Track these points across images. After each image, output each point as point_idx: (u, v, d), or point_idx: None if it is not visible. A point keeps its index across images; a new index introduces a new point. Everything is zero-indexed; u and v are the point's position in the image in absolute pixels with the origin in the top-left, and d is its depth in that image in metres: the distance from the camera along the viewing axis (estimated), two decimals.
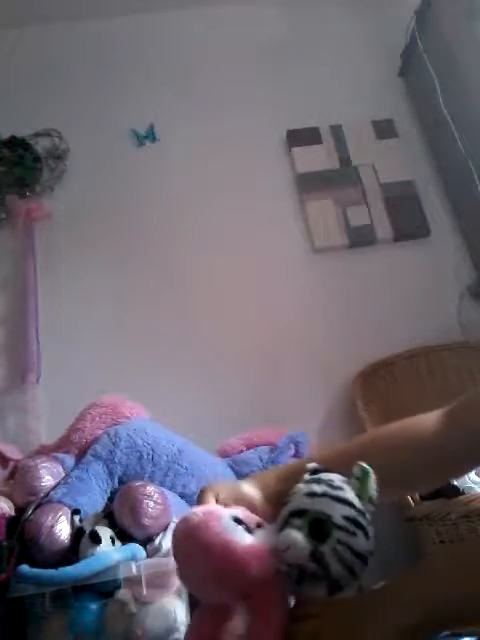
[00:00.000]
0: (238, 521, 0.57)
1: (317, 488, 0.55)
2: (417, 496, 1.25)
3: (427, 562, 0.55)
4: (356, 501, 0.55)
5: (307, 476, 0.59)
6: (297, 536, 0.52)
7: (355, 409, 1.57)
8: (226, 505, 0.61)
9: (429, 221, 1.89)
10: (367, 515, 0.55)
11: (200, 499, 0.62)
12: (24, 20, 2.07)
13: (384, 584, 0.53)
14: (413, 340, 1.69)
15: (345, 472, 0.59)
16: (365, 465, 0.56)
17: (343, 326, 1.74)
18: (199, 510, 0.58)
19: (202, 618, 0.55)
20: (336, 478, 0.57)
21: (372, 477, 0.56)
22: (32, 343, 1.66)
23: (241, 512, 0.59)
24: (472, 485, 1.22)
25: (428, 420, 0.69)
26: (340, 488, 0.55)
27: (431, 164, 1.99)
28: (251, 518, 0.59)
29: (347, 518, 0.53)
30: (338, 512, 0.53)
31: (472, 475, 1.24)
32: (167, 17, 2.14)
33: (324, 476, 0.57)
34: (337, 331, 1.73)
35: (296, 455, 1.37)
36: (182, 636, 0.96)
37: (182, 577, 0.58)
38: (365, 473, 0.55)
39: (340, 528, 0.53)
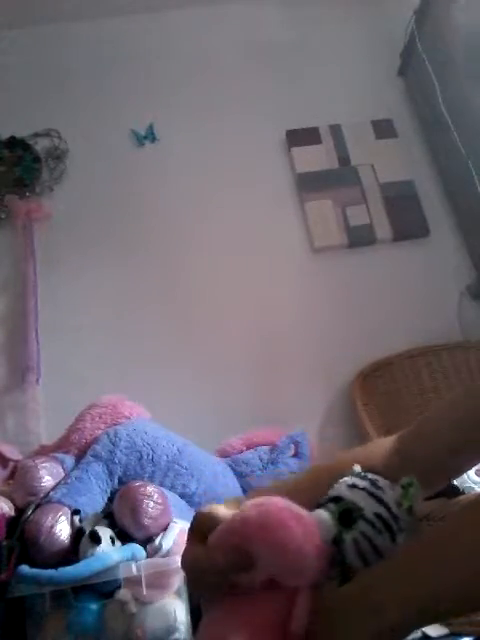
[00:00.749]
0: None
1: (360, 482, 0.57)
2: None
3: (397, 558, 0.54)
4: (393, 505, 0.55)
5: (355, 470, 0.60)
6: (325, 516, 0.54)
7: (355, 409, 1.57)
8: None
9: (429, 221, 1.89)
10: (401, 522, 0.55)
11: (207, 522, 0.57)
12: (24, 20, 2.07)
13: (355, 583, 0.52)
14: (413, 340, 1.69)
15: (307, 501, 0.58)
16: (412, 477, 0.56)
17: (343, 326, 1.74)
18: (254, 501, 0.57)
19: (264, 606, 0.53)
20: (382, 480, 0.58)
21: (416, 489, 0.56)
22: (32, 343, 1.66)
23: None
24: (472, 485, 1.22)
25: (384, 445, 0.68)
26: (381, 489, 0.56)
27: (431, 164, 1.99)
28: None
29: (378, 516, 0.54)
30: (371, 508, 0.55)
31: (472, 475, 1.24)
32: (167, 17, 2.14)
33: (371, 476, 0.58)
34: (337, 331, 1.73)
35: (296, 455, 1.37)
36: (182, 636, 0.96)
37: (268, 564, 0.53)
38: (410, 484, 0.56)
39: (368, 521, 0.54)
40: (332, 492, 0.57)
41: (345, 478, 0.59)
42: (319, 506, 0.56)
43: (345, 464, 0.62)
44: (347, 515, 0.54)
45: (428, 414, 0.70)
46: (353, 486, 0.56)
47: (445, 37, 1.79)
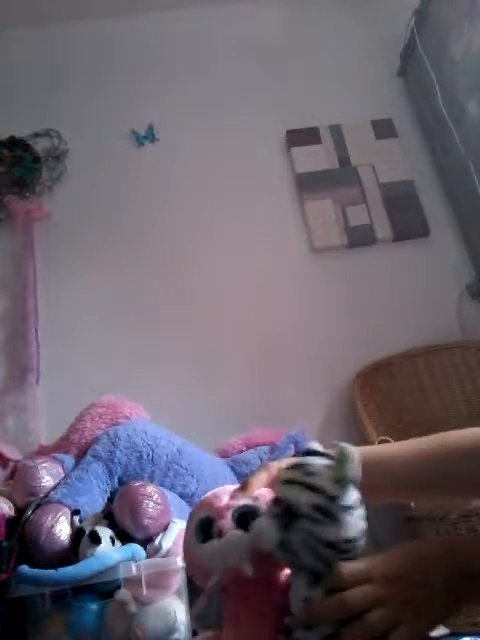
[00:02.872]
0: (246, 514, 0.57)
1: (291, 474, 0.55)
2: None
3: None
4: (328, 487, 0.52)
5: (291, 461, 0.58)
6: (265, 524, 0.52)
7: (355, 409, 1.57)
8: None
9: (428, 221, 1.89)
10: (342, 501, 0.52)
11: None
12: (24, 20, 2.07)
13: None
14: (413, 340, 1.69)
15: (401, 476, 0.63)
16: (346, 446, 0.54)
17: (343, 326, 1.74)
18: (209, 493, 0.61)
19: None
20: (315, 463, 0.55)
21: (351, 459, 0.53)
22: (31, 343, 1.66)
23: (254, 501, 0.59)
24: None
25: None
26: (313, 474, 0.54)
27: (431, 164, 1.99)
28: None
29: (315, 506, 0.51)
30: (305, 500, 0.52)
31: None
32: (167, 17, 2.14)
33: (305, 460, 0.56)
34: (337, 331, 1.73)
35: (296, 455, 1.37)
36: (182, 636, 0.96)
37: None
38: (344, 455, 0.53)
39: (306, 517, 0.51)
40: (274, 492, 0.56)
41: (281, 469, 0.57)
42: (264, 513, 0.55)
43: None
44: (287, 515, 0.52)
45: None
46: (286, 482, 0.54)
47: (445, 37, 1.79)
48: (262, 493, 0.60)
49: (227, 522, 0.56)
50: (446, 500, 0.75)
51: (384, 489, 0.64)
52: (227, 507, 0.58)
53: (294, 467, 0.55)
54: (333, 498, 0.52)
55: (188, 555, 0.59)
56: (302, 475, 0.54)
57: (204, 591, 0.57)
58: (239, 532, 0.55)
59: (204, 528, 0.58)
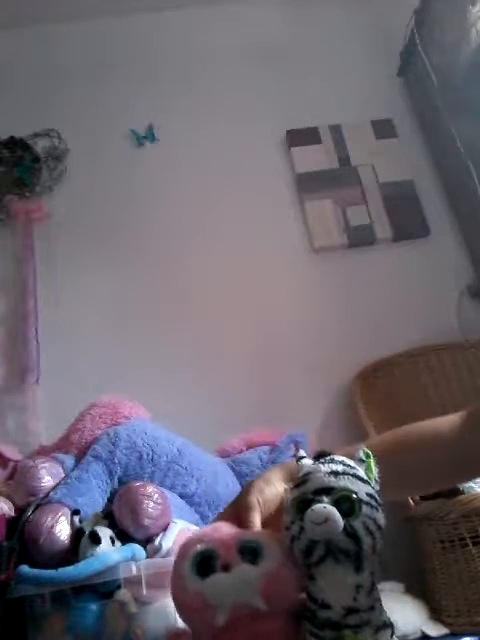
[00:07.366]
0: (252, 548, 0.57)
1: (337, 467, 0.58)
2: (417, 496, 1.25)
3: None
4: (371, 480, 0.59)
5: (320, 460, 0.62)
6: (334, 509, 0.54)
7: (355, 409, 1.57)
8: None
9: (429, 221, 1.89)
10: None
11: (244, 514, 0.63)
12: (24, 20, 2.07)
13: None
14: (413, 340, 1.69)
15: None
16: (366, 449, 0.61)
17: (343, 326, 1.74)
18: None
19: None
20: (347, 460, 0.60)
21: (373, 460, 0.60)
22: (31, 343, 1.66)
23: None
24: (472, 485, 1.22)
25: (448, 420, 0.72)
26: (355, 468, 0.59)
27: (431, 164, 1.99)
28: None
29: (370, 495, 0.57)
30: (362, 489, 0.56)
31: None
32: (167, 17, 2.14)
33: (337, 458, 0.60)
34: (337, 331, 1.73)
35: (296, 455, 1.37)
36: None
37: None
38: (368, 456, 0.60)
39: (366, 503, 0.55)
40: (315, 484, 0.57)
41: (314, 465, 0.60)
42: (305, 501, 0.56)
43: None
44: (342, 504, 0.55)
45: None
46: (334, 473, 0.57)
47: (445, 36, 1.79)
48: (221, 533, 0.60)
49: (234, 554, 0.56)
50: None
51: None
52: (233, 538, 0.58)
53: (331, 461, 0.60)
54: (376, 489, 0.58)
55: (180, 593, 0.57)
56: (347, 468, 0.58)
57: (200, 632, 0.56)
58: (248, 566, 0.55)
59: (202, 562, 0.57)
